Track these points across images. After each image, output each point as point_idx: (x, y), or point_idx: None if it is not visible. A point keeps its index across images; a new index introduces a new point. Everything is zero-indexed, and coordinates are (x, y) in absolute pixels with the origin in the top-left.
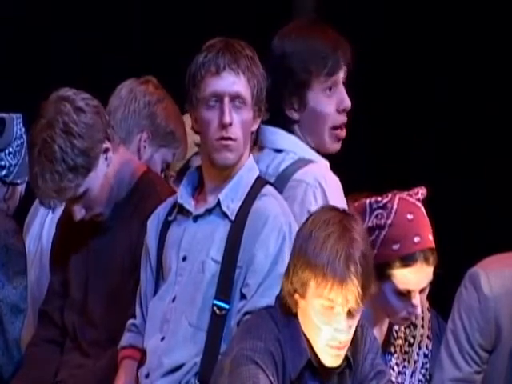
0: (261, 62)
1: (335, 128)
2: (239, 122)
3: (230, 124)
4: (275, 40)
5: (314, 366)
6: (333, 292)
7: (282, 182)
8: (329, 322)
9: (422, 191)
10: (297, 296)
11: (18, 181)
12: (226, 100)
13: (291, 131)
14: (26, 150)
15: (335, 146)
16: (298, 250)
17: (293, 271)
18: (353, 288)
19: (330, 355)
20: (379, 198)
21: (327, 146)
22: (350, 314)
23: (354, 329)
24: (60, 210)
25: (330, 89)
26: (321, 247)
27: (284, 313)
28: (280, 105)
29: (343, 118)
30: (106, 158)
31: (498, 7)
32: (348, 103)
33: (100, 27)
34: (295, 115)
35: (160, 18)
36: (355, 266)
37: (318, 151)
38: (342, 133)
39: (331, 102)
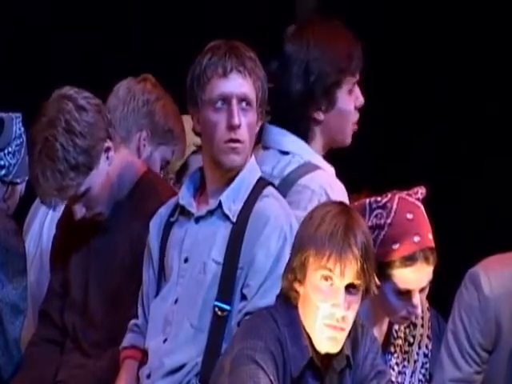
0: (262, 62)
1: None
2: (246, 124)
3: (239, 126)
4: (294, 46)
5: (315, 365)
6: (331, 261)
7: (286, 185)
8: (326, 299)
9: (421, 191)
10: (296, 285)
11: (18, 180)
12: (234, 102)
13: (310, 133)
14: (25, 149)
15: (350, 140)
16: (297, 234)
17: (293, 255)
18: (352, 259)
19: (327, 337)
20: (379, 198)
21: (346, 140)
22: (349, 291)
23: (352, 313)
24: (60, 209)
25: (351, 90)
26: (320, 221)
27: (285, 310)
28: (306, 108)
29: (357, 115)
30: (108, 157)
31: (498, 7)
32: (362, 100)
33: (100, 27)
34: (321, 116)
35: (160, 18)
36: (355, 237)
37: (329, 149)
38: (355, 127)
39: (352, 100)
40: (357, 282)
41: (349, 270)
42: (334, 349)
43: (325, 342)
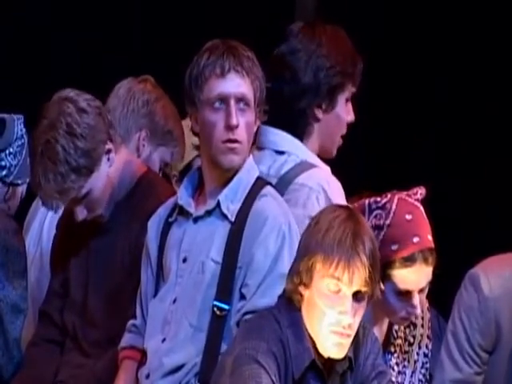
0: (262, 62)
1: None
2: (244, 124)
3: (237, 126)
4: (304, 40)
5: (317, 367)
6: (339, 268)
7: (283, 184)
8: (333, 306)
9: (421, 191)
10: (301, 288)
11: (19, 181)
12: (232, 102)
13: (308, 128)
14: (26, 150)
15: (335, 152)
16: (304, 238)
17: (299, 259)
18: (360, 267)
19: (333, 343)
20: (378, 199)
21: (333, 150)
22: (356, 297)
23: (358, 319)
24: (60, 210)
25: (348, 100)
26: (328, 226)
27: (287, 311)
28: (308, 101)
29: (345, 130)
30: (109, 159)
31: (498, 7)
32: (353, 117)
33: (100, 27)
34: (321, 114)
35: (160, 18)
36: (363, 244)
37: (318, 155)
38: (341, 142)
39: (346, 111)
40: (364, 289)
41: (357, 278)
42: (339, 354)
43: (330, 347)
